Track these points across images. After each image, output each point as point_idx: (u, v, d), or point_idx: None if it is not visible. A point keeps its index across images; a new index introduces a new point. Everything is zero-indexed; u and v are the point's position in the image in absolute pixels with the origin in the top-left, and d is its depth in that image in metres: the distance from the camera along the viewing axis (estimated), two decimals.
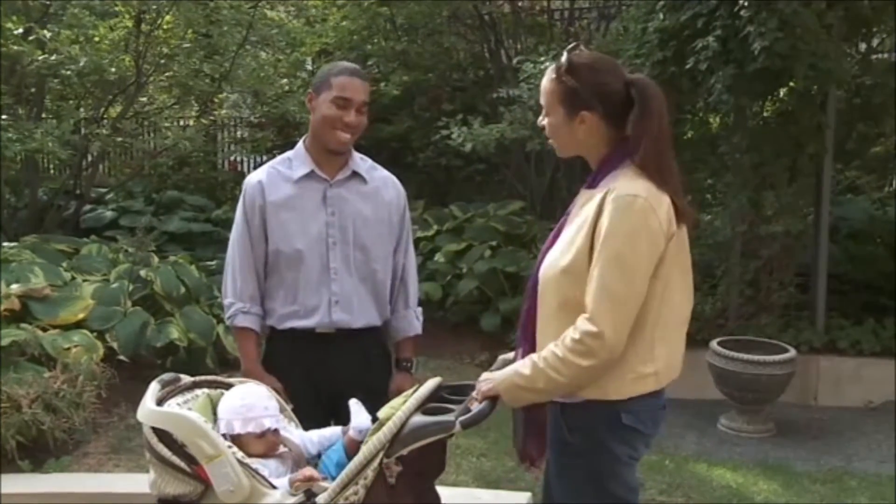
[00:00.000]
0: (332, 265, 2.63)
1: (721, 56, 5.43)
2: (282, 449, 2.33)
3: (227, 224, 9.23)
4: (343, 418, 2.32)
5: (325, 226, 2.64)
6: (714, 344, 5.51)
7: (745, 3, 5.25)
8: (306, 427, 2.40)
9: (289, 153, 2.75)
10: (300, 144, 2.73)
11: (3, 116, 7.05)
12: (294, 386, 2.62)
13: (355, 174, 2.70)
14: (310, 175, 2.66)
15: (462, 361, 6.61)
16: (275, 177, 2.69)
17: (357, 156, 2.74)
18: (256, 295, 2.72)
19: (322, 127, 2.63)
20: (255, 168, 11.63)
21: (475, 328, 6.98)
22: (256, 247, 2.71)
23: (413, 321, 2.81)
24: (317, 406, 2.62)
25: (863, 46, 6.84)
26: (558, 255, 2.11)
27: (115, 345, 5.35)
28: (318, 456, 2.32)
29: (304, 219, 2.64)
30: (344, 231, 2.65)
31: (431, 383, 2.24)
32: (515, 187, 8.43)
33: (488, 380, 2.15)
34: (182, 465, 2.14)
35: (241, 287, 2.72)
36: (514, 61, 7.69)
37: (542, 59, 6.54)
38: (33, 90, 8.22)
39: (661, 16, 5.95)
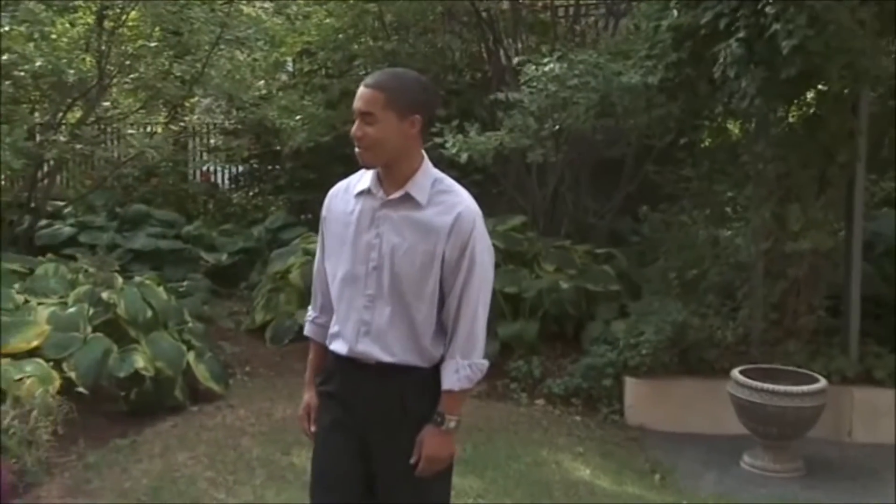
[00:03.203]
0: (368, 291, 2.66)
1: (746, 59, 5.44)
2: None
3: (200, 241, 9.29)
4: (373, 462, 2.65)
5: (368, 248, 2.68)
6: (735, 373, 5.50)
7: (770, 0, 5.26)
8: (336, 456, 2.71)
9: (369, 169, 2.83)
10: None
11: None
12: (334, 410, 2.75)
13: (409, 196, 2.67)
14: (367, 192, 2.72)
15: None
16: (343, 189, 2.81)
17: (429, 175, 2.71)
18: (328, 305, 2.86)
19: None
20: (229, 180, 11.78)
21: None
22: (325, 258, 2.87)
23: (450, 373, 2.67)
24: (348, 441, 2.72)
25: None
26: None
27: (73, 375, 5.31)
28: None
29: (351, 237, 2.70)
30: (384, 257, 2.66)
31: None
32: (516, 201, 8.44)
33: None
34: None
35: (314, 295, 2.94)
36: (515, 62, 7.72)
37: (546, 59, 6.56)
38: None
39: (675, 12, 5.96)
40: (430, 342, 2.69)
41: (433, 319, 2.69)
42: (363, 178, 2.76)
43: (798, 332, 6.25)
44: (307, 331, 2.96)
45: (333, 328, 2.78)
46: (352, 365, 2.71)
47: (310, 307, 2.97)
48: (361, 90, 2.66)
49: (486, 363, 2.72)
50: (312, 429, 2.84)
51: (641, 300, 6.81)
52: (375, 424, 2.67)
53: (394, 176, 2.68)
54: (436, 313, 2.69)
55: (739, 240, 6.69)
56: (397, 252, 2.64)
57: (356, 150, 2.67)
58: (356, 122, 2.65)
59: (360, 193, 2.73)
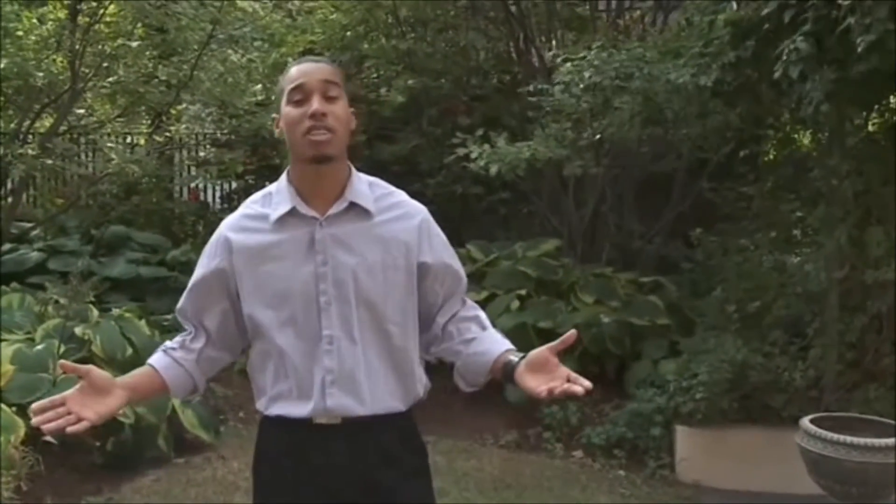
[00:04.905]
0: (326, 332, 2.51)
1: (813, 58, 5.42)
2: None
3: (187, 268, 9.29)
4: None
5: (314, 279, 2.52)
6: (806, 422, 5.44)
7: None
8: None
9: (271, 187, 2.65)
10: (283, 176, 2.63)
11: None
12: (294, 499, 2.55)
13: (354, 206, 2.56)
14: (292, 214, 2.55)
15: (483, 442, 6.56)
16: (247, 222, 2.61)
17: (362, 180, 2.62)
18: (195, 345, 2.68)
19: (290, 139, 2.54)
20: (221, 198, 11.83)
21: (498, 400, 6.91)
22: (212, 304, 2.71)
23: (499, 337, 2.65)
24: None
25: None
26: None
27: None
28: None
29: (285, 273, 2.53)
30: (340, 285, 2.52)
31: None
32: (549, 221, 8.43)
33: None
34: None
35: (183, 305, 2.77)
36: (550, 55, 7.72)
37: (583, 54, 6.56)
38: None
39: (735, 4, 5.96)
40: (417, 369, 2.62)
41: (417, 343, 2.63)
42: (274, 203, 2.58)
43: (880, 376, 6.19)
44: (156, 360, 2.62)
45: (277, 387, 2.57)
46: (310, 432, 2.53)
47: (179, 336, 2.71)
48: (309, 65, 2.55)
49: None
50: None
51: (695, 336, 6.77)
52: (358, 496, 2.52)
53: (326, 185, 2.55)
54: (418, 337, 2.64)
55: (810, 267, 6.63)
56: (359, 274, 2.52)
57: (317, 136, 2.46)
58: (314, 99, 2.47)
59: (282, 218, 2.55)
